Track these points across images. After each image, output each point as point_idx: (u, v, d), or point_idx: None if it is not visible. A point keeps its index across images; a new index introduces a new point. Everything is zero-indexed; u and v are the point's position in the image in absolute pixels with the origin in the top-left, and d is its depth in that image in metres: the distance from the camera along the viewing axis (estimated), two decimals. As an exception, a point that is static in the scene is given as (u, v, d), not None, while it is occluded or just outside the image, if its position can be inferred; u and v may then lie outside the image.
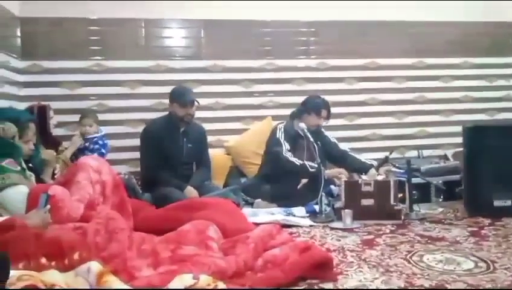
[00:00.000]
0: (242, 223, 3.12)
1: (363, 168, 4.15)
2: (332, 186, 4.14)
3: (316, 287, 2.25)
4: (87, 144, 4.21)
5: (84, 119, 4.31)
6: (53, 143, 3.95)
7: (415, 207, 3.76)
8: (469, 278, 2.33)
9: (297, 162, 4.12)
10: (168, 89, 4.28)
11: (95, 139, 4.26)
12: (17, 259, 2.02)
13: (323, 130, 4.47)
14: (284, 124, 4.36)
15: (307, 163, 4.09)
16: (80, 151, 4.11)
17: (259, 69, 5.18)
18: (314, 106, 4.33)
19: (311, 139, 4.07)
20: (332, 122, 4.60)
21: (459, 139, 4.19)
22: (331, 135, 4.52)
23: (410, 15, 5.37)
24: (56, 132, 4.28)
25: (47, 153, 3.56)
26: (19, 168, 2.78)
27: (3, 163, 2.69)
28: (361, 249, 2.87)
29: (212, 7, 4.94)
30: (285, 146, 4.19)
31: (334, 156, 4.44)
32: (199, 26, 5.09)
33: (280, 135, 4.26)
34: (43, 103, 4.15)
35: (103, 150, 4.24)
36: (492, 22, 5.60)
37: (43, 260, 2.10)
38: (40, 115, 3.91)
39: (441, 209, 3.94)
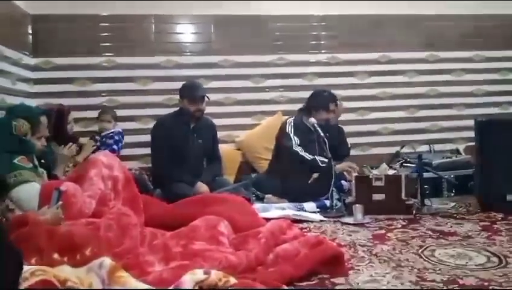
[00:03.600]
0: (253, 218, 3.12)
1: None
2: (343, 181, 4.13)
3: (327, 282, 2.25)
4: (104, 139, 4.25)
5: (103, 115, 4.35)
6: (71, 142, 3.96)
7: (427, 202, 3.75)
8: (481, 273, 2.32)
9: (308, 156, 4.10)
10: (178, 85, 4.30)
11: (111, 134, 4.30)
12: (30, 255, 2.04)
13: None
14: (294, 118, 4.35)
15: (318, 158, 4.08)
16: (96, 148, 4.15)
17: (270, 64, 5.18)
18: (321, 102, 4.31)
19: (322, 134, 4.06)
20: (343, 116, 4.59)
21: (471, 134, 4.16)
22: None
23: (422, 8, 5.33)
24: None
25: (65, 150, 3.57)
26: (31, 165, 2.80)
27: (15, 160, 2.71)
28: (373, 244, 2.86)
29: (222, 2, 4.94)
30: (295, 140, 4.18)
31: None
32: (209, 21, 5.10)
33: (290, 129, 4.24)
34: (62, 105, 4.15)
35: (115, 147, 4.26)
36: (505, 15, 5.54)
37: (56, 256, 2.11)
38: (59, 117, 3.85)
39: (452, 204, 3.92)
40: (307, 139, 4.22)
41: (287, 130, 4.25)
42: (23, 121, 2.84)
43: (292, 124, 4.28)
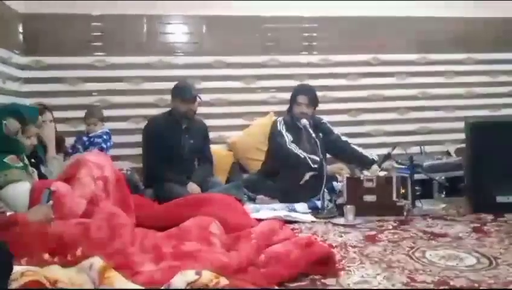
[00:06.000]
0: (244, 219, 3.12)
1: (365, 162, 4.15)
2: (334, 183, 4.13)
3: (318, 283, 2.25)
4: (92, 139, 4.22)
5: (90, 118, 4.31)
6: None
7: (418, 203, 3.75)
8: (471, 274, 2.33)
9: (301, 154, 4.10)
10: (170, 85, 4.29)
11: (99, 134, 4.27)
12: (20, 255, 2.02)
13: (324, 121, 4.46)
14: (283, 117, 4.35)
15: (309, 158, 4.07)
16: (84, 148, 4.12)
17: (261, 65, 5.18)
18: (292, 96, 4.34)
19: (313, 135, 4.06)
20: (335, 118, 4.60)
21: (462, 135, 4.18)
22: (337, 130, 4.51)
23: (413, 11, 5.35)
24: (60, 127, 4.29)
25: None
26: (21, 164, 2.79)
27: (5, 159, 2.69)
28: (364, 245, 2.86)
29: (214, 3, 4.93)
30: (288, 138, 4.18)
31: (335, 148, 4.43)
32: (201, 22, 5.09)
33: (281, 127, 4.25)
34: (41, 104, 4.09)
35: (103, 145, 4.22)
36: (496, 18, 5.57)
37: (46, 256, 2.10)
38: None
39: (443, 206, 3.93)
40: (297, 138, 4.23)
41: (279, 128, 4.25)
42: (14, 120, 2.83)
43: (283, 122, 4.30)
